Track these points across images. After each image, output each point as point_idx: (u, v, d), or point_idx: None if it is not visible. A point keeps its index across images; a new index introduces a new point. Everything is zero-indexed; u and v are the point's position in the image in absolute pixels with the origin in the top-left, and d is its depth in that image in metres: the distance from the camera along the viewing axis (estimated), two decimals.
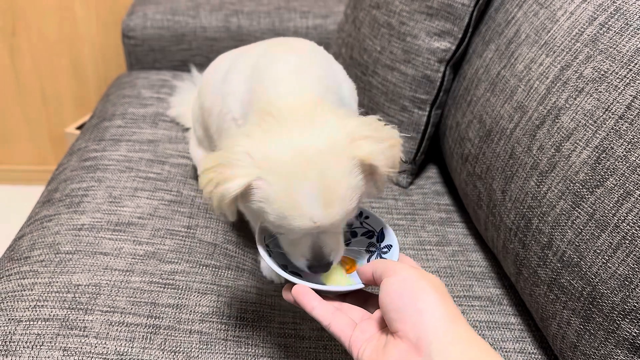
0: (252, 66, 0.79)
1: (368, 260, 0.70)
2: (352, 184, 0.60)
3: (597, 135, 0.68)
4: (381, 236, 0.72)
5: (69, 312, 0.76)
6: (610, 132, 0.67)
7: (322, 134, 0.61)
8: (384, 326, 0.55)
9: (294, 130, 0.61)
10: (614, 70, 0.68)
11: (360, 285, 0.61)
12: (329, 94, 0.72)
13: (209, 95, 0.89)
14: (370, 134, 0.62)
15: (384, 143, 0.62)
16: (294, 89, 0.70)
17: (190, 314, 0.80)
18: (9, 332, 0.73)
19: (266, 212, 0.61)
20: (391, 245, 0.69)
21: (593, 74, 0.71)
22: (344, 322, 0.58)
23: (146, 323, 0.77)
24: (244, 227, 0.97)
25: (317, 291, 0.61)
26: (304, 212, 0.59)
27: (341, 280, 0.67)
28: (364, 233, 0.73)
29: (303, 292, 0.60)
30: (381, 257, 0.69)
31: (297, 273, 0.68)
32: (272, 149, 0.60)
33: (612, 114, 0.67)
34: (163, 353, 0.74)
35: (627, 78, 0.66)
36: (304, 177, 0.58)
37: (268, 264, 0.64)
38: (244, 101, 0.76)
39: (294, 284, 0.62)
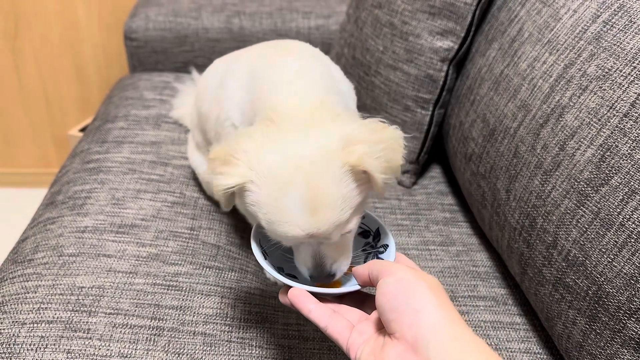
0: (250, 71, 0.79)
1: (364, 261, 0.69)
2: (341, 193, 0.59)
3: (602, 134, 0.68)
4: (377, 236, 0.71)
5: (73, 315, 0.76)
6: (614, 130, 0.66)
7: (314, 141, 0.60)
8: (382, 327, 0.54)
9: (288, 136, 0.62)
10: (618, 68, 0.68)
11: (357, 287, 0.61)
12: (330, 95, 0.72)
13: (206, 101, 0.89)
14: (366, 138, 0.60)
15: (378, 146, 0.60)
16: (295, 93, 0.70)
17: (194, 316, 0.79)
18: (13, 335, 0.73)
19: (257, 216, 0.62)
20: (387, 245, 0.68)
21: (597, 72, 0.70)
22: (341, 324, 0.57)
23: (150, 325, 0.77)
24: (247, 229, 0.96)
25: (314, 293, 0.60)
26: (290, 219, 0.59)
27: (337, 281, 0.66)
28: (360, 233, 0.72)
29: (299, 295, 0.60)
30: (377, 257, 0.68)
31: (293, 275, 0.68)
32: (265, 153, 0.61)
33: (617, 112, 0.66)
34: (167, 355, 0.74)
35: (632, 75, 0.66)
36: (290, 184, 0.59)
37: (262, 265, 0.63)
38: (244, 108, 0.76)
39: (290, 286, 0.61)
